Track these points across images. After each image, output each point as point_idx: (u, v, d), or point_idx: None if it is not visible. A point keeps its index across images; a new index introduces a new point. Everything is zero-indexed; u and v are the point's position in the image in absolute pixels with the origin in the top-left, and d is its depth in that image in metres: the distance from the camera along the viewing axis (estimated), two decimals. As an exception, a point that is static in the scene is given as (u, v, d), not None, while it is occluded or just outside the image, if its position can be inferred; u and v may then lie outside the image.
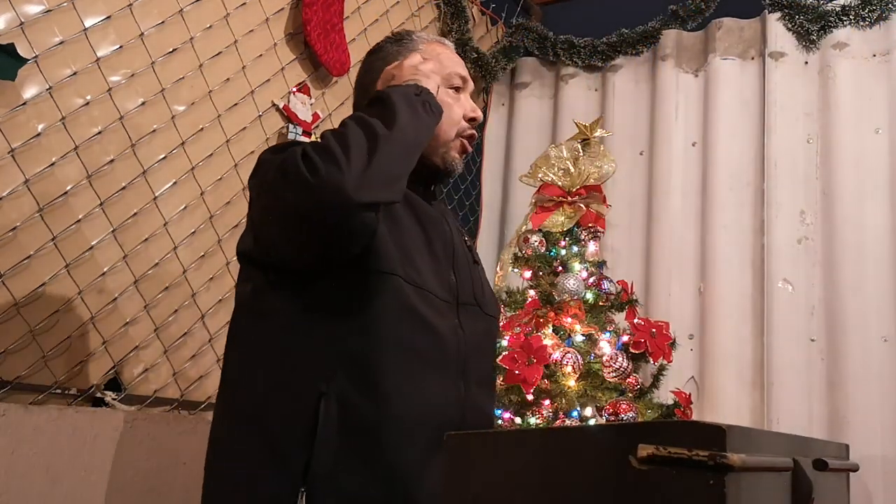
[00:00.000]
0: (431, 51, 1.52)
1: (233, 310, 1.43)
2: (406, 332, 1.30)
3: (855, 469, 1.10)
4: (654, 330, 2.62)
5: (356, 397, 1.24)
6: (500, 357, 2.36)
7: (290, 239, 1.26)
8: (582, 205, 2.74)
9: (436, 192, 1.57)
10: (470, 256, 1.55)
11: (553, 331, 2.55)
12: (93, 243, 2.03)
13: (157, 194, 2.19)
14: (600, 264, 2.79)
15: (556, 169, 2.77)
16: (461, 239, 1.54)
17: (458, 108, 1.49)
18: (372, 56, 1.57)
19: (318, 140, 1.23)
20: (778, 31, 3.11)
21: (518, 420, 2.43)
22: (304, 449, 1.21)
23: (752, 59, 3.19)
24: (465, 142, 1.51)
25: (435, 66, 1.48)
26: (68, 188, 1.98)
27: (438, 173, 1.50)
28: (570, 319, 2.56)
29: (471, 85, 1.55)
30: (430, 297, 1.35)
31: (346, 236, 1.23)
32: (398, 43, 1.54)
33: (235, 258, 2.39)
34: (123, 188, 2.11)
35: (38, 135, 1.92)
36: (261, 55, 2.54)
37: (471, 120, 1.51)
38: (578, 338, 2.55)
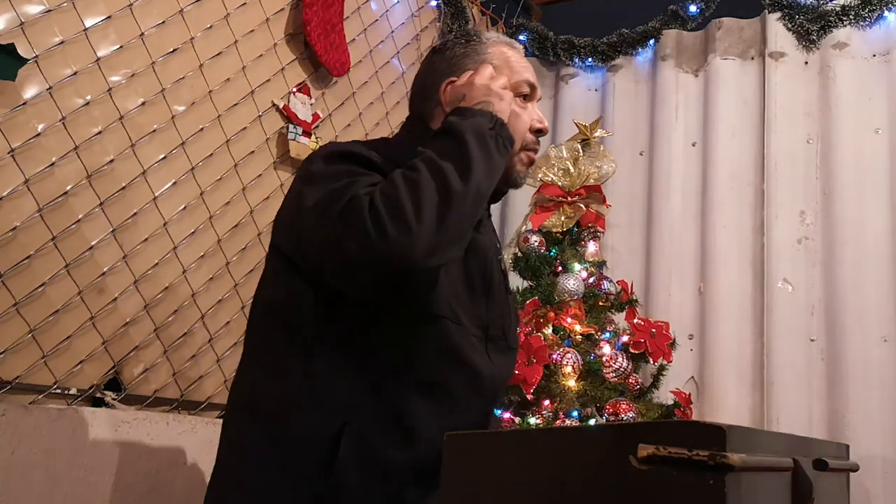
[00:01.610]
0: (500, 54, 1.42)
1: (255, 301, 1.37)
2: (443, 374, 1.26)
3: (855, 469, 1.10)
4: (653, 330, 2.62)
5: (379, 435, 1.20)
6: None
7: (342, 277, 1.19)
8: (582, 205, 2.75)
9: (488, 208, 1.48)
10: (504, 284, 1.49)
11: (553, 331, 2.55)
12: (93, 243, 2.03)
13: (157, 194, 2.19)
14: (600, 264, 2.79)
15: (555, 169, 2.77)
16: (498, 264, 1.47)
17: (525, 119, 1.39)
18: (437, 55, 1.47)
19: (386, 187, 1.14)
20: (778, 31, 3.11)
21: (518, 420, 2.43)
22: (319, 477, 1.18)
23: (752, 59, 3.19)
24: (531, 154, 1.43)
25: (507, 78, 1.38)
26: (68, 188, 1.98)
27: (499, 191, 1.41)
28: (570, 319, 2.56)
29: (539, 93, 1.46)
30: (468, 334, 1.30)
31: (402, 288, 1.19)
32: (465, 44, 1.44)
33: (235, 259, 2.40)
34: (123, 188, 2.11)
35: (38, 135, 1.92)
36: (261, 55, 2.54)
37: (537, 132, 1.42)
38: (578, 338, 2.55)
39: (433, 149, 1.20)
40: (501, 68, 1.40)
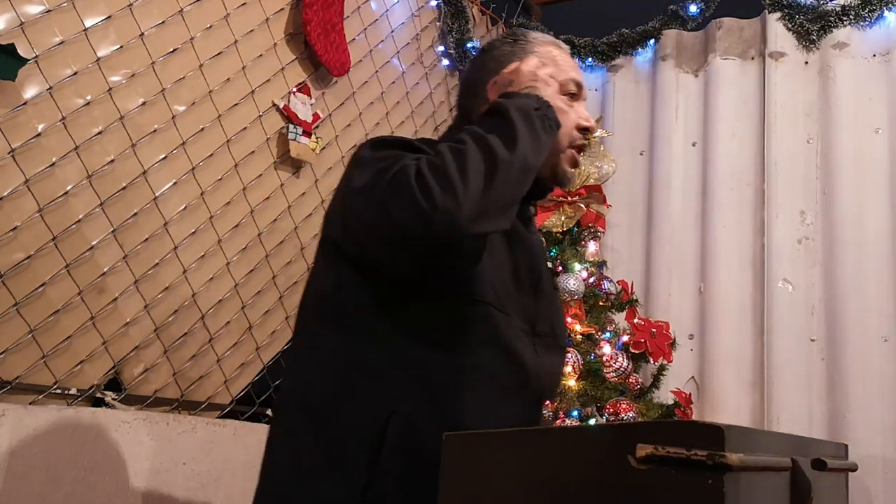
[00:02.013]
0: (547, 53, 1.43)
1: (305, 293, 1.38)
2: (490, 362, 1.26)
3: (854, 469, 1.10)
4: (654, 330, 2.62)
5: (427, 423, 1.19)
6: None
7: (388, 252, 1.20)
8: (582, 205, 2.75)
9: (534, 207, 1.49)
10: (552, 283, 1.48)
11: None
12: (93, 243, 2.03)
13: (157, 194, 2.20)
14: (600, 264, 2.79)
15: (556, 169, 2.77)
16: (545, 263, 1.47)
17: (571, 116, 1.39)
18: (484, 54, 1.48)
19: (433, 156, 1.16)
20: (778, 31, 3.10)
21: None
22: (367, 467, 1.18)
23: (753, 59, 3.19)
24: (576, 153, 1.42)
25: (552, 70, 1.39)
26: (68, 188, 1.98)
27: (545, 187, 1.42)
28: (570, 319, 2.56)
29: (585, 92, 1.46)
30: (514, 325, 1.30)
31: (450, 261, 1.19)
32: (513, 43, 1.45)
33: (236, 259, 2.40)
34: (123, 188, 2.11)
35: (39, 135, 1.93)
36: (261, 55, 2.54)
37: (583, 129, 1.41)
38: (578, 338, 2.55)
39: (478, 125, 1.22)
40: (548, 66, 1.41)
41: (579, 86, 1.43)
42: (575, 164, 1.43)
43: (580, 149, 1.43)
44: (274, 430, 1.33)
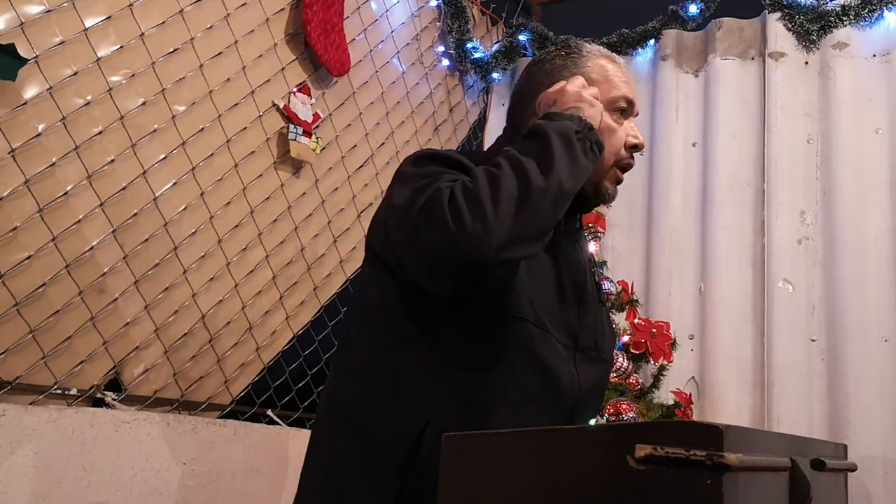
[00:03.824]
0: (600, 68, 1.40)
1: (352, 302, 1.39)
2: (525, 378, 1.26)
3: (853, 469, 1.10)
4: (654, 330, 2.62)
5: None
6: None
7: (423, 272, 1.21)
8: (582, 205, 2.74)
9: (580, 220, 1.48)
10: (597, 296, 1.47)
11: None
12: (93, 243, 2.03)
13: (157, 194, 2.20)
14: (600, 264, 2.79)
15: (556, 169, 2.76)
16: (591, 275, 1.46)
17: (620, 135, 1.37)
18: (535, 66, 1.46)
19: (468, 181, 1.16)
20: (778, 31, 3.10)
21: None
22: (401, 476, 1.19)
23: (753, 59, 3.18)
24: (620, 172, 1.41)
25: (602, 88, 1.37)
26: (68, 188, 1.98)
27: (589, 203, 1.41)
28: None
29: (637, 109, 1.43)
30: (553, 341, 1.30)
31: (481, 284, 1.20)
32: (566, 56, 1.42)
33: (236, 259, 2.40)
34: (123, 188, 2.11)
35: (39, 135, 1.93)
36: (261, 55, 2.54)
37: (632, 147, 1.39)
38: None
39: (517, 148, 1.21)
40: (599, 82, 1.39)
41: (631, 102, 1.40)
42: (618, 182, 1.42)
43: (626, 167, 1.42)
44: (314, 435, 1.35)
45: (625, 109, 1.39)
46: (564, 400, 1.31)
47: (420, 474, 1.19)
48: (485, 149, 1.52)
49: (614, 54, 1.47)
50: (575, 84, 1.33)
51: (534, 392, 1.27)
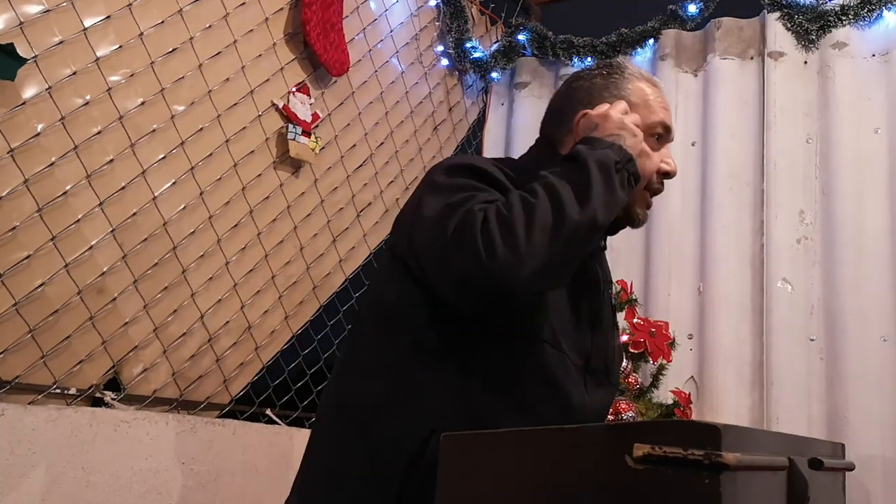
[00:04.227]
0: (640, 91, 1.40)
1: (364, 302, 1.39)
2: (536, 397, 1.26)
3: (851, 468, 1.10)
4: (653, 329, 2.62)
5: None
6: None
7: (448, 291, 1.21)
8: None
9: (604, 241, 1.47)
10: (612, 318, 1.47)
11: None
12: (92, 243, 2.03)
13: (156, 194, 2.20)
14: (599, 264, 2.78)
15: (555, 169, 2.76)
16: (609, 296, 1.47)
17: (655, 160, 1.36)
18: (576, 82, 1.45)
19: (502, 206, 1.15)
20: (777, 31, 3.10)
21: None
22: (403, 480, 1.19)
23: (752, 58, 3.18)
24: (650, 195, 1.40)
25: (641, 113, 1.36)
26: (68, 188, 1.98)
27: (618, 225, 1.40)
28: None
29: (672, 135, 1.43)
30: (568, 362, 1.30)
31: (504, 308, 1.20)
32: (608, 76, 1.42)
33: (235, 259, 2.40)
34: (123, 188, 2.11)
35: (38, 134, 1.93)
36: (260, 55, 2.54)
37: (665, 175, 1.39)
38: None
39: (555, 174, 1.20)
40: (639, 106, 1.38)
41: (668, 129, 1.40)
42: (648, 206, 1.41)
43: (656, 192, 1.41)
44: (316, 432, 1.35)
45: (661, 135, 1.39)
46: (573, 421, 1.30)
47: (422, 479, 1.18)
48: (515, 156, 1.50)
49: (654, 77, 1.47)
50: (618, 109, 1.31)
51: (544, 412, 1.27)
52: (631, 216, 1.39)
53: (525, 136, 3.54)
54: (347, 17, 2.86)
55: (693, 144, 3.22)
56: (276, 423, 2.55)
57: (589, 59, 3.47)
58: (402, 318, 1.28)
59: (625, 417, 2.40)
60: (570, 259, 1.17)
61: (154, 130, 2.20)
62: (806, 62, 3.08)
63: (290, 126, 2.60)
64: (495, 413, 1.23)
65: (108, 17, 2.10)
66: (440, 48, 3.43)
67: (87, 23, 2.04)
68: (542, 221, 1.13)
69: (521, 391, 1.26)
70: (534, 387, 1.26)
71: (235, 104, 2.44)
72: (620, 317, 2.72)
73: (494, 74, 3.62)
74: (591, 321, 1.37)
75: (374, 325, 1.34)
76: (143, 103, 2.18)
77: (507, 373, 1.24)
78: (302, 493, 1.31)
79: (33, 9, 1.93)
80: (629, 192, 1.24)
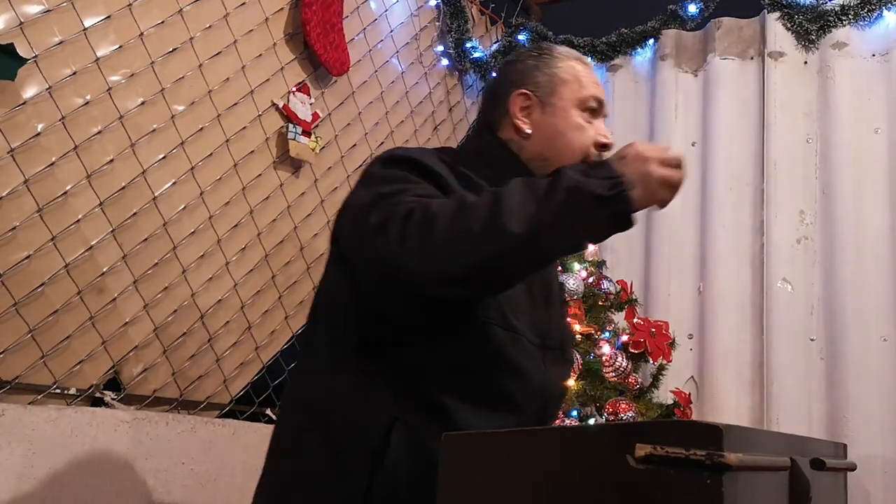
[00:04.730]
0: (570, 69, 1.42)
1: (315, 297, 1.39)
2: (494, 379, 1.26)
3: (852, 468, 1.10)
4: (653, 329, 2.62)
5: (428, 434, 1.19)
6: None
7: (368, 282, 1.21)
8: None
9: None
10: (561, 295, 1.48)
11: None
12: (92, 243, 2.03)
13: (156, 194, 2.20)
14: (600, 264, 2.79)
15: (555, 169, 2.76)
16: (556, 275, 1.47)
17: (590, 133, 1.39)
18: (508, 66, 1.48)
19: (435, 203, 1.13)
20: (777, 31, 3.10)
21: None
22: (370, 470, 1.19)
23: (752, 58, 3.18)
24: None
25: (572, 88, 1.39)
26: (68, 188, 1.98)
27: None
28: (569, 319, 2.56)
29: (606, 110, 1.45)
30: (522, 341, 1.30)
31: (425, 302, 1.18)
32: (538, 57, 1.44)
33: (235, 258, 2.40)
34: (123, 188, 2.11)
35: (38, 135, 1.93)
36: (260, 55, 2.54)
37: (602, 146, 1.40)
38: (578, 337, 2.55)
39: (524, 184, 1.14)
40: (569, 82, 1.41)
41: (601, 102, 1.42)
42: None
43: None
44: (278, 430, 1.35)
45: (595, 109, 1.42)
46: (535, 399, 1.32)
47: (389, 470, 1.19)
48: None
49: (585, 57, 1.49)
50: (642, 153, 1.20)
51: (504, 392, 1.27)
52: None
53: (525, 136, 3.54)
54: (347, 17, 2.86)
55: (693, 144, 3.22)
56: (276, 423, 2.54)
57: (589, 59, 3.46)
58: (349, 310, 1.28)
59: (624, 418, 2.40)
60: (494, 272, 1.12)
61: (154, 130, 2.20)
62: (806, 62, 3.08)
63: (290, 126, 2.60)
64: (454, 398, 1.23)
65: (108, 17, 2.09)
66: (440, 48, 3.43)
67: (87, 23, 2.04)
68: (467, 227, 1.09)
69: (478, 374, 1.25)
70: (490, 369, 1.26)
71: (235, 104, 2.44)
72: (620, 316, 2.72)
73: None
74: (544, 300, 1.38)
75: (325, 319, 1.34)
76: (143, 103, 2.17)
77: (459, 357, 1.24)
78: (270, 495, 1.30)
79: (33, 9, 1.93)
80: (611, 227, 1.14)
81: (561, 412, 2.41)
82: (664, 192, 1.17)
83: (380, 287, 1.19)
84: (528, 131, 1.38)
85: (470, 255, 1.09)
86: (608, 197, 1.11)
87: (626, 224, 1.13)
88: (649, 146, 1.22)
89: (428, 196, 1.18)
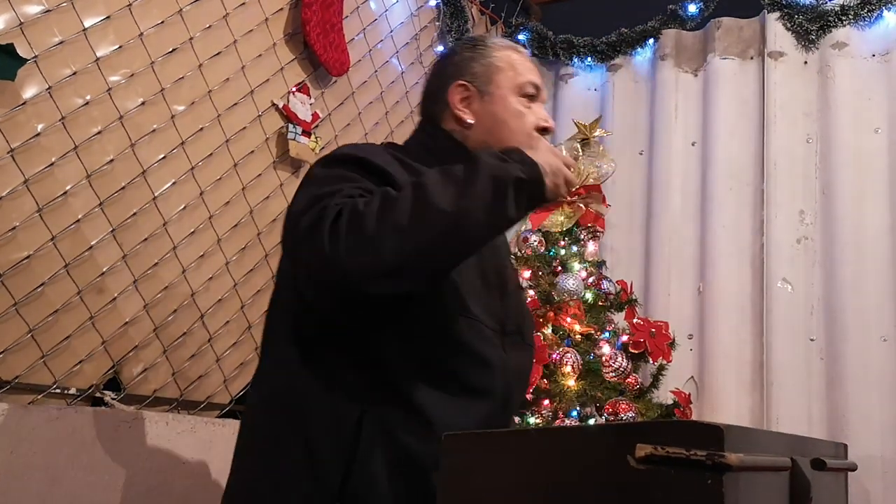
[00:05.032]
0: (506, 58, 1.45)
1: (271, 297, 1.39)
2: (456, 367, 1.27)
3: (853, 468, 1.10)
4: (653, 330, 2.62)
5: (397, 424, 1.21)
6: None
7: (299, 283, 1.22)
8: (581, 205, 2.75)
9: None
10: (516, 279, 1.50)
11: (552, 331, 2.55)
12: (92, 243, 2.03)
13: (156, 194, 2.19)
14: (600, 264, 2.79)
15: (555, 169, 2.76)
16: (510, 262, 1.49)
17: (530, 118, 1.42)
18: (444, 60, 1.51)
19: (361, 202, 1.13)
20: (777, 31, 3.11)
21: (518, 420, 2.43)
22: (343, 464, 1.19)
23: (752, 58, 3.19)
24: None
25: (508, 75, 1.42)
26: (68, 188, 1.98)
27: None
28: (569, 319, 2.56)
29: (544, 95, 1.48)
30: (480, 327, 1.31)
31: (366, 306, 1.19)
32: (473, 48, 1.47)
33: (235, 258, 2.40)
34: (123, 188, 2.11)
35: (38, 135, 1.92)
36: (260, 55, 2.54)
37: (542, 130, 1.43)
38: (578, 337, 2.55)
39: (442, 173, 1.17)
40: (505, 69, 1.44)
41: (538, 87, 1.46)
42: None
43: None
44: (245, 428, 1.35)
45: (533, 95, 1.45)
46: (498, 385, 1.32)
47: (363, 462, 1.19)
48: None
49: (519, 45, 1.53)
50: (543, 152, 1.26)
51: (468, 379, 1.28)
52: None
53: (525, 136, 3.54)
54: (347, 17, 2.86)
55: (693, 144, 3.22)
56: (276, 424, 2.54)
57: (589, 58, 3.47)
58: (307, 311, 1.27)
59: (624, 418, 2.40)
60: (425, 261, 1.13)
61: (154, 130, 2.20)
62: (806, 62, 3.08)
63: (290, 126, 2.60)
64: (420, 387, 1.24)
65: (108, 17, 2.09)
66: (440, 48, 3.43)
67: (87, 23, 2.04)
68: (395, 221, 1.10)
69: (440, 363, 1.26)
70: (452, 356, 1.27)
71: (235, 104, 2.44)
72: (620, 316, 2.72)
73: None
74: (498, 286, 1.39)
75: (283, 322, 1.34)
76: (143, 103, 2.17)
77: (422, 347, 1.25)
78: (241, 496, 1.30)
79: (33, 9, 1.93)
80: (525, 211, 1.21)
81: (561, 412, 2.41)
82: (563, 189, 1.25)
83: (318, 293, 1.19)
84: (470, 121, 1.41)
85: (400, 247, 1.10)
86: (526, 180, 1.17)
87: (542, 201, 1.23)
88: (546, 145, 1.32)
89: (363, 192, 1.18)
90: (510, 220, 1.20)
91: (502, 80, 1.43)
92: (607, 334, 2.59)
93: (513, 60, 1.46)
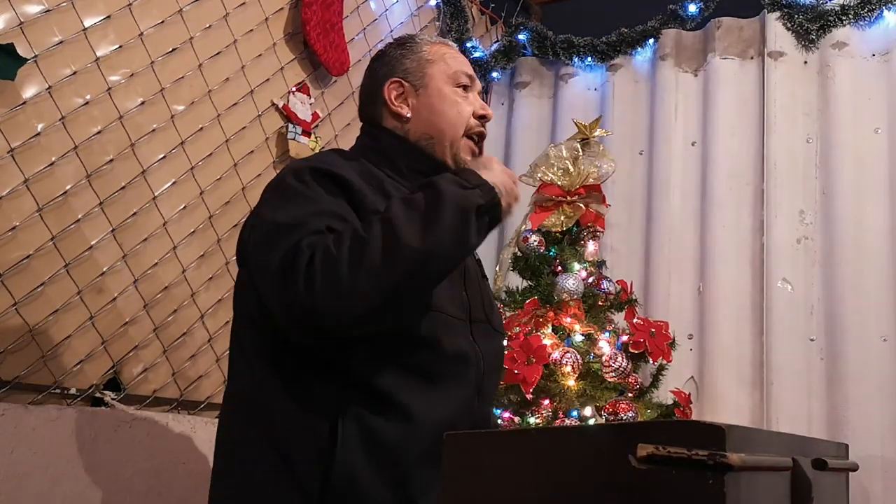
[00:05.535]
0: (436, 51, 1.51)
1: (234, 304, 1.41)
2: (428, 359, 1.29)
3: (854, 469, 1.10)
4: (653, 330, 2.62)
5: (375, 420, 1.23)
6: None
7: (274, 318, 1.23)
8: (581, 204, 2.74)
9: None
10: (479, 270, 1.53)
11: (552, 330, 2.55)
12: (92, 243, 2.03)
13: (156, 194, 2.19)
14: (600, 264, 2.78)
15: (555, 169, 2.77)
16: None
17: (466, 107, 1.47)
18: (376, 61, 1.55)
19: (333, 244, 1.15)
20: (777, 31, 3.10)
21: (518, 420, 2.43)
22: (321, 468, 1.20)
23: (752, 58, 3.18)
24: (474, 142, 1.48)
25: (440, 67, 1.47)
26: (68, 188, 1.98)
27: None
28: (569, 319, 2.55)
29: (478, 84, 1.53)
30: (446, 318, 1.32)
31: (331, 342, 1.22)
32: (402, 46, 1.52)
33: (235, 258, 2.40)
34: (123, 188, 2.11)
35: (38, 134, 1.93)
36: (260, 55, 2.54)
37: (480, 117, 1.48)
38: (578, 337, 2.55)
39: (406, 204, 1.20)
40: (436, 62, 1.48)
41: (471, 77, 1.50)
42: (473, 154, 1.47)
43: (479, 136, 1.48)
44: (225, 434, 1.35)
45: (467, 85, 1.49)
46: (471, 372, 1.34)
47: (343, 461, 1.20)
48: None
49: (448, 41, 1.58)
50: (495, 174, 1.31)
51: (441, 370, 1.30)
52: (458, 163, 1.44)
53: (525, 136, 3.54)
54: (347, 17, 2.87)
55: (693, 144, 3.22)
56: (276, 424, 2.54)
57: (589, 58, 3.47)
58: (269, 320, 1.28)
59: (624, 418, 2.40)
60: (402, 299, 1.17)
61: (154, 130, 2.20)
62: (806, 62, 3.08)
63: (290, 126, 2.60)
64: (395, 382, 1.25)
65: (108, 17, 2.09)
66: (440, 48, 3.43)
67: (87, 23, 2.04)
68: (369, 265, 1.12)
69: (412, 357, 1.28)
70: (422, 351, 1.28)
71: (235, 104, 2.44)
72: (620, 316, 2.72)
73: (494, 74, 3.62)
74: (460, 276, 1.41)
75: (246, 329, 1.35)
76: (143, 103, 2.17)
77: (391, 345, 1.26)
78: (225, 500, 1.31)
79: (33, 9, 1.93)
80: (485, 235, 1.27)
81: (561, 412, 2.41)
82: (514, 206, 1.34)
83: (297, 333, 1.22)
84: (408, 115, 1.45)
85: (377, 290, 1.13)
86: (484, 206, 1.23)
87: (498, 223, 1.29)
88: (492, 161, 1.36)
89: (331, 221, 1.20)
90: (473, 247, 1.26)
91: (435, 72, 1.47)
92: (607, 334, 2.59)
93: (442, 52, 1.51)
